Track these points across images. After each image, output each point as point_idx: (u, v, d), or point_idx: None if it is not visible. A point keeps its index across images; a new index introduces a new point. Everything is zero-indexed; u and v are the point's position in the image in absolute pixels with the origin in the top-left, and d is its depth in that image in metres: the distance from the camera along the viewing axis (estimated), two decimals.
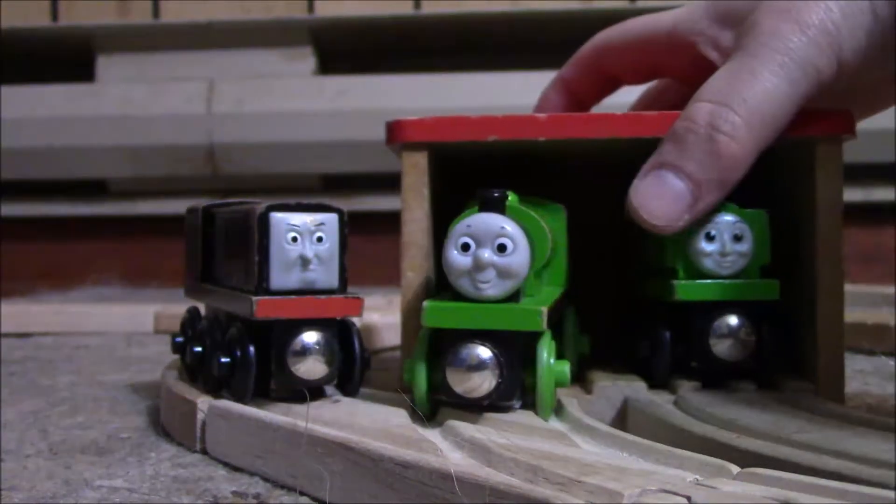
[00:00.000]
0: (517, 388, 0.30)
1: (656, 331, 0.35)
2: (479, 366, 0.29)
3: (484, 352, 0.29)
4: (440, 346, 0.30)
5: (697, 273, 0.34)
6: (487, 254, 0.29)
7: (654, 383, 0.34)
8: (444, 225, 0.31)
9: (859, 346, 0.55)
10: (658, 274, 0.36)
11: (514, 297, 0.30)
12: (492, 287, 0.29)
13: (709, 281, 0.34)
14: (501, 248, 0.29)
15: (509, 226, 0.29)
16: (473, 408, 0.30)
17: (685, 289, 0.34)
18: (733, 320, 0.34)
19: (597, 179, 0.43)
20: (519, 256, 0.29)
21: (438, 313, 0.30)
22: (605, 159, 0.40)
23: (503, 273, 0.29)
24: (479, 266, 0.29)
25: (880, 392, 0.43)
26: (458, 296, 0.30)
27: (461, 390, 0.29)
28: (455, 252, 0.29)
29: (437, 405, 0.32)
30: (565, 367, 0.30)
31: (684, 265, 0.34)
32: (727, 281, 0.34)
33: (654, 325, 0.35)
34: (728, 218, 0.34)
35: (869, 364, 0.51)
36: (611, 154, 0.38)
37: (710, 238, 0.34)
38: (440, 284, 0.35)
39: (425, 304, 0.30)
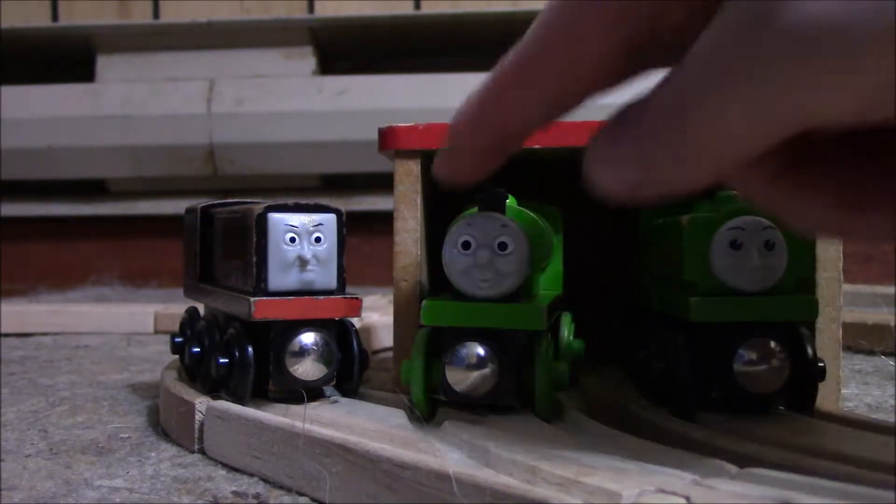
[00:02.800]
0: (516, 387, 0.30)
1: (673, 354, 0.29)
2: (479, 364, 0.29)
3: (484, 350, 0.29)
4: (438, 347, 0.30)
5: (719, 287, 0.28)
6: (488, 252, 0.29)
7: (676, 414, 0.29)
8: (440, 227, 0.31)
9: (859, 346, 0.55)
10: (670, 285, 0.31)
11: (513, 296, 0.30)
12: (492, 286, 0.29)
13: (733, 298, 0.28)
14: (502, 247, 0.29)
15: (510, 225, 0.29)
16: (472, 408, 0.30)
17: (703, 308, 0.28)
18: (763, 345, 0.27)
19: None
20: (519, 255, 0.29)
21: (438, 311, 0.30)
22: None
23: (503, 272, 0.29)
24: (479, 264, 0.29)
25: (880, 392, 0.43)
26: (457, 295, 0.30)
27: (461, 389, 0.29)
28: (455, 251, 0.29)
29: (435, 406, 0.32)
30: (564, 368, 0.30)
31: (703, 278, 0.28)
32: (756, 297, 0.28)
33: (668, 345, 0.29)
34: (758, 222, 0.28)
35: (868, 364, 0.51)
36: None
37: (735, 246, 0.28)
38: (434, 292, 0.35)
39: (425, 302, 0.30)
